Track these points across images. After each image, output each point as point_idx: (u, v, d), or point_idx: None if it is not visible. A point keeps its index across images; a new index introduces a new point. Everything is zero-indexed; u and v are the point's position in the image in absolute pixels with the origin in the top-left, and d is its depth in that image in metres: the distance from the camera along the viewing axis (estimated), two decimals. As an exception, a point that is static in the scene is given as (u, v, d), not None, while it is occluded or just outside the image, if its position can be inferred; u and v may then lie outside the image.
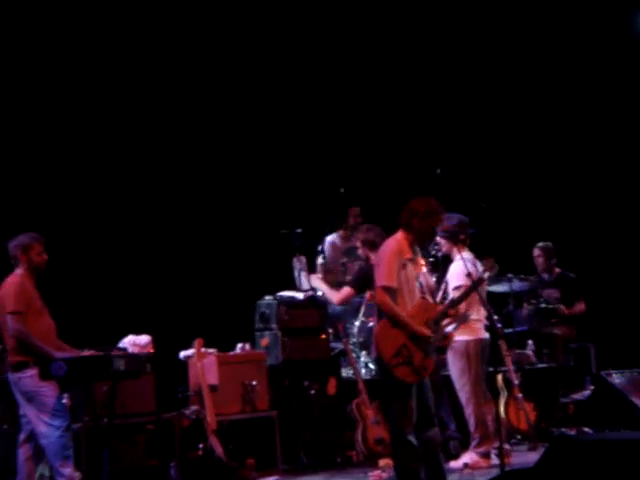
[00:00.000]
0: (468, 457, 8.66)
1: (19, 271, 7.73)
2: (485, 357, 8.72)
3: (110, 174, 10.57)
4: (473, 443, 8.74)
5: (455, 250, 8.64)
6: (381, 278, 6.99)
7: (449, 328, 7.22)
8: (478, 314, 8.48)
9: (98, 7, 10.58)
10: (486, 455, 8.67)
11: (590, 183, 12.24)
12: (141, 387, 8.39)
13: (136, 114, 10.80)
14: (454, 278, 8.55)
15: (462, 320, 7.71)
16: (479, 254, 9.04)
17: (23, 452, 7.68)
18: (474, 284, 7.46)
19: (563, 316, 10.58)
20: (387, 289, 6.93)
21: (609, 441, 6.81)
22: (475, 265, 8.55)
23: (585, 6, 11.93)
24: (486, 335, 8.62)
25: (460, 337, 8.50)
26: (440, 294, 8.50)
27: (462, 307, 7.63)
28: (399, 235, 7.14)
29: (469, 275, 7.63)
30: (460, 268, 8.29)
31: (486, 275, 7.82)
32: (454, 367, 8.76)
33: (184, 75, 11.04)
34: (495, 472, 7.03)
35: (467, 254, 8.70)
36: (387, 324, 6.96)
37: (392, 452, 7.26)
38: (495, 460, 8.54)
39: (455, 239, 8.65)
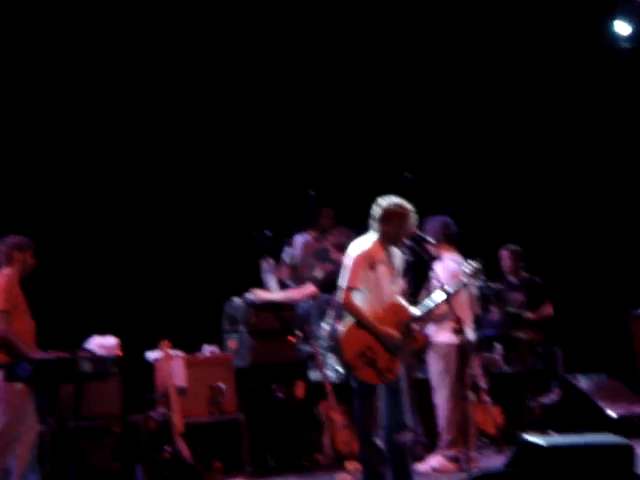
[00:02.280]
0: (435, 460, 8.66)
1: (7, 270, 7.72)
2: (468, 358, 8.66)
3: (73, 173, 10.47)
4: (442, 445, 8.73)
5: (441, 251, 8.70)
6: (346, 279, 7.00)
7: (423, 330, 7.24)
8: (464, 316, 8.35)
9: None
10: (454, 459, 8.68)
11: (557, 188, 12.30)
12: (107, 389, 8.35)
13: (95, 110, 10.70)
14: (443, 274, 8.41)
15: (438, 321, 7.77)
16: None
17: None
18: (459, 286, 7.56)
19: (529, 320, 10.61)
20: (352, 290, 6.95)
21: (573, 446, 6.86)
22: (462, 267, 8.57)
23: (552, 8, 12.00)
24: (469, 337, 8.58)
25: (441, 338, 8.53)
26: (424, 293, 8.53)
27: (445, 308, 7.58)
28: (371, 236, 7.15)
29: (455, 276, 7.65)
30: (449, 267, 8.35)
31: (467, 281, 7.80)
32: (433, 368, 8.77)
33: (146, 69, 10.95)
34: (462, 476, 7.03)
35: (454, 255, 8.75)
36: (353, 325, 6.98)
37: (359, 454, 7.27)
38: (463, 465, 8.57)
39: (439, 240, 8.66)
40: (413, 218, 7.21)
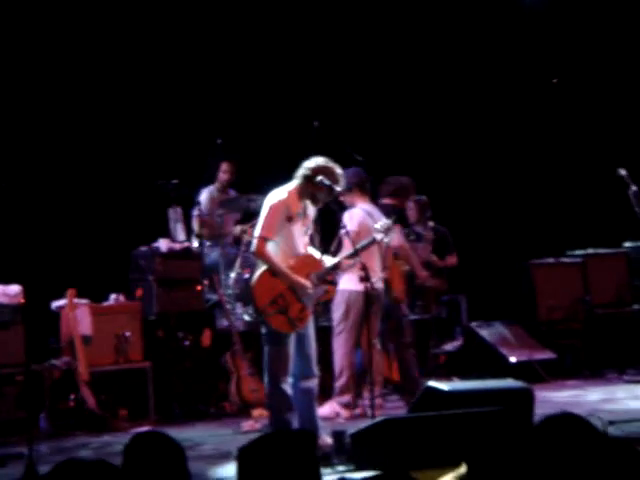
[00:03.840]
0: (329, 407, 8.66)
1: None
2: (374, 308, 8.69)
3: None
4: (336, 391, 8.79)
5: (354, 199, 8.73)
6: (261, 228, 7.03)
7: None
8: (372, 265, 8.31)
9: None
10: (347, 405, 8.76)
11: (461, 136, 12.40)
12: (10, 338, 8.26)
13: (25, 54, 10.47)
14: (350, 222, 8.36)
15: (346, 270, 7.82)
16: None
17: None
18: (372, 239, 7.61)
19: (436, 268, 10.74)
20: (266, 240, 6.98)
21: (475, 391, 7.01)
22: (373, 216, 8.62)
23: None
24: (378, 286, 8.56)
25: (346, 285, 8.59)
26: (335, 243, 8.58)
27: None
28: (290, 187, 7.15)
29: (363, 224, 7.68)
30: (358, 215, 8.45)
31: (379, 237, 7.69)
32: (335, 314, 8.82)
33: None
34: (363, 422, 7.13)
35: (366, 205, 8.79)
36: (266, 273, 7.03)
37: (266, 400, 7.33)
38: (357, 411, 8.68)
39: (351, 189, 8.68)
40: (334, 175, 7.18)
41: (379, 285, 8.67)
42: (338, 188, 7.16)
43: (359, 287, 7.89)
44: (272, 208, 7.06)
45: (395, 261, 9.25)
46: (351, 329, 8.70)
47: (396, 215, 8.54)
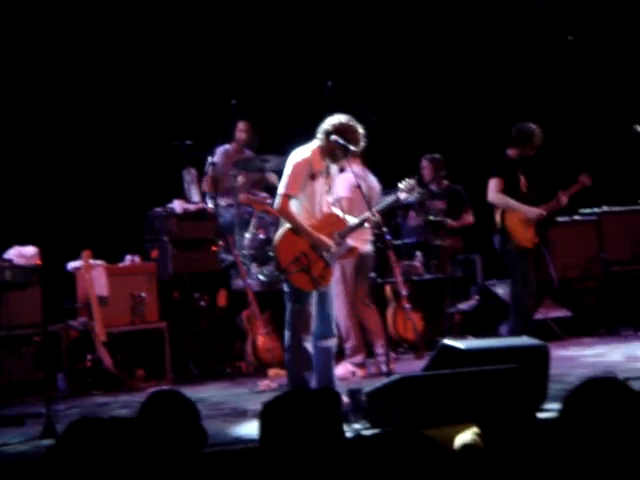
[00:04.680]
0: (343, 367, 8.69)
1: None
2: (365, 269, 8.75)
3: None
4: (347, 353, 8.83)
5: (345, 162, 8.58)
6: (285, 186, 7.00)
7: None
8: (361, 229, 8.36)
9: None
10: (361, 365, 8.79)
11: (477, 92, 12.33)
12: (27, 299, 8.28)
13: (24, 21, 10.45)
14: (341, 188, 8.40)
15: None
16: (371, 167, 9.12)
17: None
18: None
19: (450, 228, 10.73)
20: (289, 197, 6.95)
21: (491, 348, 7.01)
22: (366, 179, 8.57)
23: None
24: (365, 248, 8.61)
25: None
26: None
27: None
28: (313, 145, 7.11)
29: (358, 187, 7.56)
30: (348, 179, 8.30)
31: (403, 196, 7.57)
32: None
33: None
34: (378, 380, 7.15)
35: (357, 168, 8.70)
36: (289, 231, 7.01)
37: (285, 357, 7.33)
38: (370, 370, 8.72)
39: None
40: (362, 143, 7.14)
41: (368, 247, 8.66)
42: (353, 148, 7.11)
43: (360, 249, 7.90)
44: (296, 166, 7.01)
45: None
46: (347, 292, 8.72)
47: (418, 174, 8.30)
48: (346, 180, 8.37)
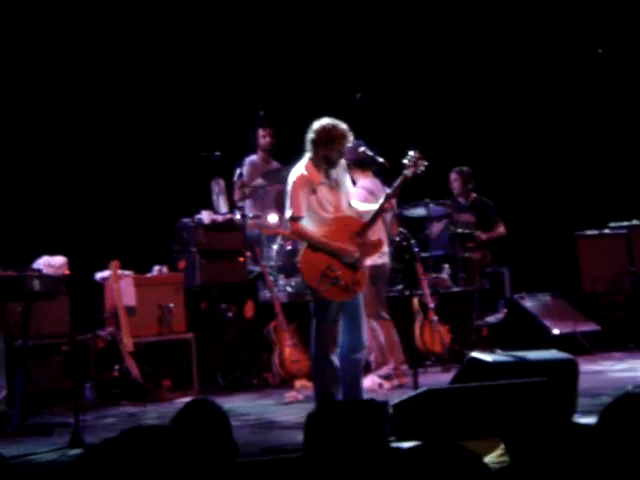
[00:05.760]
0: (370, 380, 8.62)
1: None
2: (380, 281, 8.68)
3: (25, 89, 10.30)
4: (372, 366, 8.77)
5: (355, 176, 8.45)
6: (289, 209, 6.97)
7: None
8: (382, 238, 8.08)
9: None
10: (387, 377, 8.75)
11: (507, 108, 12.31)
12: (56, 308, 8.29)
13: (50, 31, 10.52)
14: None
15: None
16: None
17: None
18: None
19: (480, 241, 10.70)
20: (297, 219, 6.92)
21: (519, 362, 6.98)
22: (374, 193, 8.42)
23: None
24: (382, 260, 8.49)
25: None
26: None
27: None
28: (305, 160, 7.05)
29: (368, 200, 7.43)
30: (357, 195, 8.04)
31: (410, 172, 7.12)
32: None
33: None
34: (405, 392, 7.13)
35: (367, 181, 8.62)
36: (307, 249, 6.97)
37: (312, 373, 7.29)
38: (396, 381, 8.67)
39: (350, 166, 8.34)
40: (349, 137, 7.04)
41: (385, 259, 8.56)
42: (347, 143, 7.02)
43: (373, 262, 7.85)
44: (293, 186, 6.95)
45: None
46: (367, 304, 8.63)
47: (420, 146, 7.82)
48: (356, 196, 8.19)
